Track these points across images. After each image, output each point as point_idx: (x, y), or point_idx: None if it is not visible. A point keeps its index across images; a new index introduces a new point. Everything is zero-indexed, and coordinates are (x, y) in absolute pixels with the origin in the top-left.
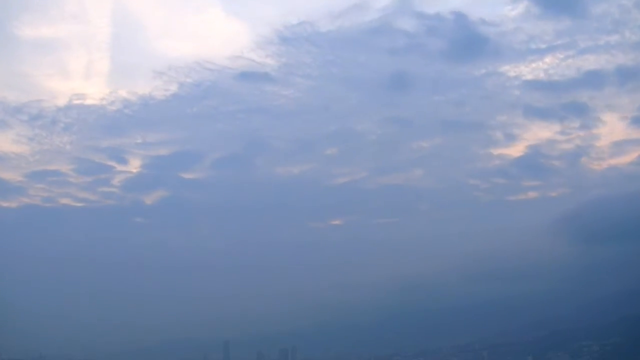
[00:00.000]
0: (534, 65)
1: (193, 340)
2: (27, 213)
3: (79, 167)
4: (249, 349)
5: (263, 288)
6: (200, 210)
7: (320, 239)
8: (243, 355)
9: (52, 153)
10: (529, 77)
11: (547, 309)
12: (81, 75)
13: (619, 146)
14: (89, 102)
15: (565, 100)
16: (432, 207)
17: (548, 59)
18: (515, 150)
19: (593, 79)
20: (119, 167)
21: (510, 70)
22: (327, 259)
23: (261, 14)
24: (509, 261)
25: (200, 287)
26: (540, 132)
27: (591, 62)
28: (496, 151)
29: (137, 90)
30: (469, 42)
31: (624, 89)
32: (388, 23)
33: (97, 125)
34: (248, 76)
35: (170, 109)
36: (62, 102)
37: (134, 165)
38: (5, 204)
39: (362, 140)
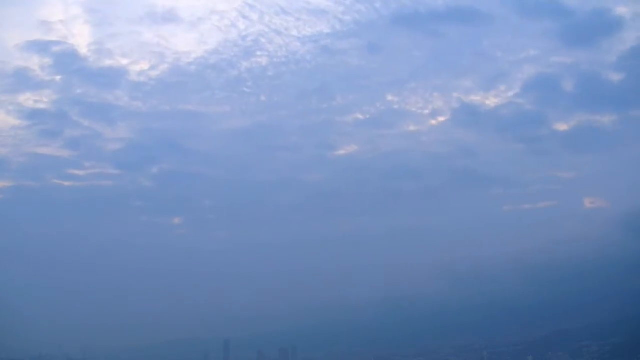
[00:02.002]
0: None
1: (193, 340)
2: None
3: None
4: (250, 348)
5: (264, 286)
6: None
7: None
8: (243, 354)
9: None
10: None
11: (547, 309)
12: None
13: None
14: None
15: None
16: None
17: None
18: None
19: None
20: (110, 136)
21: None
22: (331, 256)
23: None
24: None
25: (201, 286)
26: None
27: None
28: None
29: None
30: None
31: None
32: None
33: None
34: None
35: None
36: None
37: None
38: None
39: None
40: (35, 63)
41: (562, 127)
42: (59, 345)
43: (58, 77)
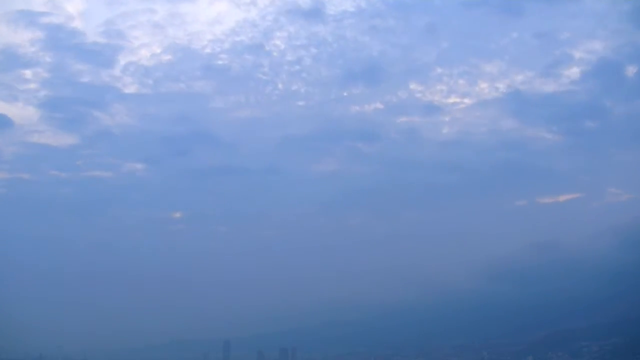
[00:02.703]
0: None
1: (193, 340)
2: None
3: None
4: (250, 348)
5: (265, 287)
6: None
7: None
8: (243, 354)
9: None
10: None
11: (547, 309)
12: None
13: None
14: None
15: None
16: None
17: None
18: None
19: None
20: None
21: None
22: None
23: None
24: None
25: (201, 286)
26: None
27: None
28: None
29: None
30: None
31: None
32: None
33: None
34: None
35: None
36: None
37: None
38: None
39: None
40: (25, 39)
41: (617, 115)
42: (59, 346)
43: (56, 58)
